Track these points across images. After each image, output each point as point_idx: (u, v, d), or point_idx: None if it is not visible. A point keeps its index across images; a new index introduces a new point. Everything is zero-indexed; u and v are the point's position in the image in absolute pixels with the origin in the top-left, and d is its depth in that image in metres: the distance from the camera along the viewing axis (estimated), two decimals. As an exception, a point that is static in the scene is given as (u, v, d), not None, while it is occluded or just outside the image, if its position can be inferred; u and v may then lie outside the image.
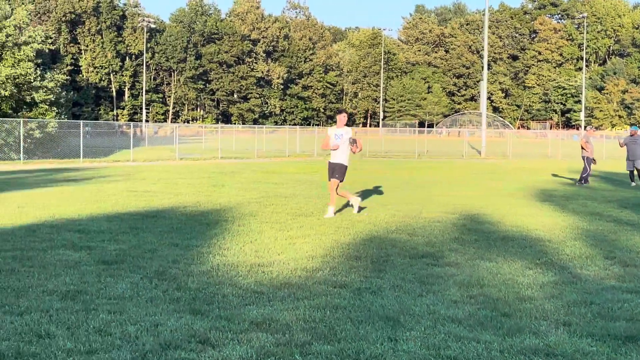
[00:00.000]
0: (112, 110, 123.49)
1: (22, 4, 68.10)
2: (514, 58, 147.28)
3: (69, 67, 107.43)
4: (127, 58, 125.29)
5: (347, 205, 13.93)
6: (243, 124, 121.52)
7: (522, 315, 6.10)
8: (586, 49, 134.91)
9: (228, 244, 9.61)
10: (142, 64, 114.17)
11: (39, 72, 40.54)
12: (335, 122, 13.64)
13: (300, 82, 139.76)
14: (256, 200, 15.68)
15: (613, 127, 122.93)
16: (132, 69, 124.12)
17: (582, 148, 23.45)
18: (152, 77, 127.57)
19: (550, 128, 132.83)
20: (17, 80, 38.50)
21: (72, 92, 56.44)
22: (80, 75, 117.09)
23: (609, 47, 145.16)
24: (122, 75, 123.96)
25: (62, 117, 43.37)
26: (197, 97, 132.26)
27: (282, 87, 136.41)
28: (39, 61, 43.33)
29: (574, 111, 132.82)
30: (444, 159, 46.40)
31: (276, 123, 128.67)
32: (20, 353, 4.93)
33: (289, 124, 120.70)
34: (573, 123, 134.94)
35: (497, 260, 8.63)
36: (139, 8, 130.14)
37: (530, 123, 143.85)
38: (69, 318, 5.80)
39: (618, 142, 24.82)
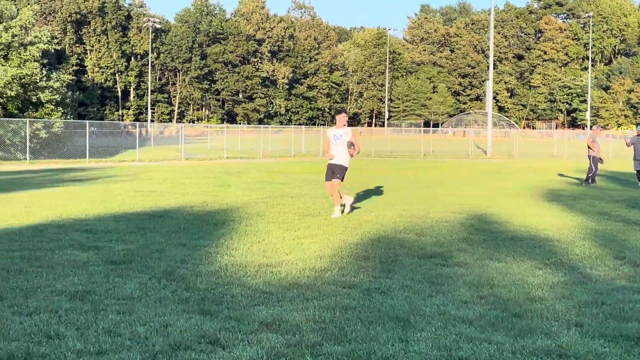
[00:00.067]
0: (118, 110, 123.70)
1: (28, 4, 68.25)
2: (520, 57, 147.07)
3: (75, 68, 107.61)
4: (132, 58, 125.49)
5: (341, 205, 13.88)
6: (248, 124, 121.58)
7: (533, 315, 6.06)
8: (592, 48, 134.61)
9: (236, 244, 9.59)
10: (148, 64, 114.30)
11: (44, 72, 40.57)
12: (330, 121, 13.53)
13: (306, 82, 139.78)
14: (263, 200, 15.66)
15: (619, 127, 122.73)
16: (137, 69, 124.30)
17: (589, 147, 23.35)
18: (157, 77, 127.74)
19: (556, 128, 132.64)
20: (23, 80, 38.52)
21: (77, 92, 56.55)
22: (86, 75, 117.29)
23: (615, 46, 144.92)
24: (128, 76, 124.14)
25: (68, 117, 43.40)
26: (202, 97, 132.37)
27: (287, 87, 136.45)
28: (45, 61, 43.38)
29: (580, 111, 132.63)
30: (450, 159, 46.33)
31: (281, 123, 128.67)
32: (30, 354, 4.91)
33: (294, 124, 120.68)
34: (579, 122, 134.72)
35: (506, 261, 8.59)
36: (144, 8, 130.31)
37: (536, 123, 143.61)
38: (78, 318, 5.78)
39: (625, 142, 24.71)
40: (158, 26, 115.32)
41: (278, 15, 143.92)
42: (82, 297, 6.52)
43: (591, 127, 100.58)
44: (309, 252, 9.01)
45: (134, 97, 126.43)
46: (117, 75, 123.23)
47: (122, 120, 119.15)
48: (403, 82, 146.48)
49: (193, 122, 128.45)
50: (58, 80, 41.62)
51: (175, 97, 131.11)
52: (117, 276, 7.44)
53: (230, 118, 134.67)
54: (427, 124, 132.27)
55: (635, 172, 23.31)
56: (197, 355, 4.96)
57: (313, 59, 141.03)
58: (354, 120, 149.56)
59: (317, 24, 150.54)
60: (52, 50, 50.07)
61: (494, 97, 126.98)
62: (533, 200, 16.74)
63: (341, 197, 13.19)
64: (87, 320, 5.72)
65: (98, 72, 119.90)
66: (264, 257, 8.64)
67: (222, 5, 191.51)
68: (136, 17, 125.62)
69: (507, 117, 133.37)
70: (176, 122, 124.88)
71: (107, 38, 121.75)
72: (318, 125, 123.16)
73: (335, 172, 13.10)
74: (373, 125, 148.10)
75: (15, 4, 46.87)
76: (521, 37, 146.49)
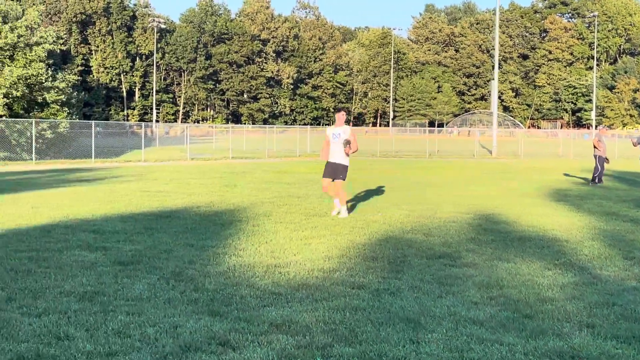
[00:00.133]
0: (123, 111, 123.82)
1: (33, 4, 68.41)
2: (525, 57, 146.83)
3: (80, 68, 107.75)
4: (137, 58, 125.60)
5: (345, 204, 13.84)
6: (253, 124, 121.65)
7: (544, 316, 6.03)
8: (597, 47, 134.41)
9: (243, 244, 9.57)
10: (153, 64, 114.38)
11: (50, 73, 40.60)
12: (334, 121, 13.46)
13: (310, 82, 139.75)
14: (269, 201, 15.64)
15: (624, 126, 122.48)
16: (142, 69, 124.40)
17: (595, 147, 23.29)
18: (162, 78, 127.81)
19: (561, 127, 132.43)
20: (28, 80, 38.58)
21: (83, 93, 56.54)
22: (91, 75, 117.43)
23: (620, 45, 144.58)
24: (133, 76, 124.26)
25: (74, 117, 43.42)
26: (207, 97, 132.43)
27: (292, 87, 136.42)
28: (50, 62, 43.40)
29: (585, 110, 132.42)
30: (455, 159, 46.26)
31: (286, 123, 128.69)
32: (40, 355, 4.90)
33: (299, 124, 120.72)
34: (584, 122, 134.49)
35: (515, 261, 8.55)
36: (149, 8, 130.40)
37: (541, 122, 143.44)
38: (87, 319, 5.77)
39: (631, 142, 24.63)
40: (163, 26, 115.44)
41: (283, 15, 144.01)
42: (90, 298, 6.50)
43: (596, 126, 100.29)
44: (317, 253, 8.99)
45: (139, 97, 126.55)
46: (122, 75, 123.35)
47: (127, 120, 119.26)
48: (408, 82, 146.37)
49: (198, 122, 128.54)
50: (63, 81, 41.65)
51: (180, 97, 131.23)
52: (125, 277, 7.43)
53: (235, 118, 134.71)
54: (431, 124, 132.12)
55: (642, 171, 23.22)
56: (207, 356, 4.94)
57: (318, 59, 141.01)
58: (358, 120, 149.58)
59: (321, 23, 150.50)
60: (58, 51, 50.15)
61: (499, 97, 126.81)
62: (540, 200, 16.70)
63: (338, 197, 13.15)
64: (97, 322, 5.71)
65: (103, 72, 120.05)
66: (272, 258, 8.61)
67: (226, 5, 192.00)
68: (141, 18, 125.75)
69: (512, 116, 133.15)
70: (181, 122, 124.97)
71: (112, 38, 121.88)
72: (323, 125, 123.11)
73: (337, 172, 13.04)
74: (378, 125, 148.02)
75: (20, 5, 46.98)
76: (526, 36, 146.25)
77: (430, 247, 9.46)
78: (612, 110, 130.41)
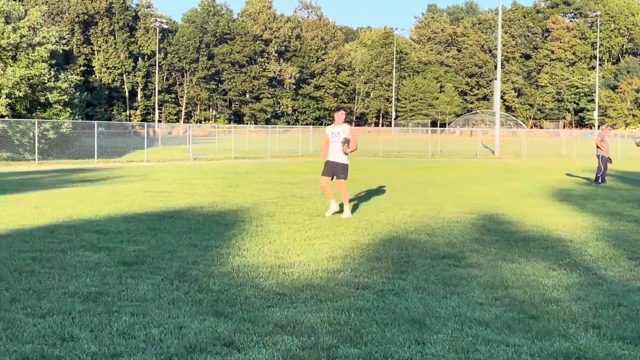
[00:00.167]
0: (125, 111, 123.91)
1: (36, 4, 68.43)
2: (527, 57, 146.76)
3: (82, 68, 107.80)
4: (139, 58, 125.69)
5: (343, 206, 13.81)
6: (255, 124, 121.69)
7: (549, 317, 6.01)
8: (599, 47, 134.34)
9: (247, 244, 9.55)
10: (155, 65, 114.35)
11: (52, 73, 40.62)
12: (334, 119, 13.35)
13: (312, 82, 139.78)
14: (272, 201, 15.62)
15: (627, 126, 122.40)
16: (144, 70, 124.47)
17: (597, 147, 23.25)
18: (164, 78, 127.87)
19: (563, 127, 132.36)
20: (31, 81, 38.59)
21: (85, 93, 56.60)
22: (93, 75, 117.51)
23: (623, 45, 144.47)
24: (135, 76, 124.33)
25: (76, 117, 43.44)
26: (209, 98, 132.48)
27: (294, 87, 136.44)
28: (53, 62, 43.41)
29: (587, 110, 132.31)
30: (458, 159, 46.23)
31: (288, 123, 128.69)
32: (45, 356, 4.89)
33: (301, 124, 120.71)
34: (586, 122, 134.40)
35: (520, 261, 8.53)
36: (151, 9, 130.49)
37: (543, 122, 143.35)
38: (91, 320, 5.76)
39: (635, 142, 24.57)
40: (165, 26, 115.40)
41: (285, 15, 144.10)
42: (95, 299, 6.49)
43: (599, 126, 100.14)
44: (321, 253, 8.97)
45: (141, 97, 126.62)
46: (124, 75, 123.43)
47: (130, 120, 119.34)
48: (410, 81, 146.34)
49: (200, 122, 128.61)
50: (66, 81, 41.67)
51: (182, 97, 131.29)
52: (129, 277, 7.42)
53: (238, 118, 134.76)
54: (434, 124, 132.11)
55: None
56: (212, 357, 4.93)
57: (320, 59, 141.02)
58: (360, 120, 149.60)
59: (324, 23, 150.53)
60: (60, 51, 50.14)
61: (501, 97, 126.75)
62: (543, 200, 16.67)
63: (342, 197, 13.12)
64: (101, 322, 5.70)
65: (105, 72, 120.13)
66: (276, 258, 8.60)
67: (229, 5, 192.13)
68: (143, 18, 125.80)
69: (515, 116, 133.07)
70: (183, 122, 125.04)
71: (115, 38, 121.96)
72: (325, 125, 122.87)
73: (337, 171, 12.98)
74: (380, 125, 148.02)
75: (22, 5, 46.99)
76: (528, 36, 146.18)
77: (434, 248, 9.44)
78: (614, 110, 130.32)
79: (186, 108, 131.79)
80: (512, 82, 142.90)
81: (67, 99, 41.25)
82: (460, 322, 5.84)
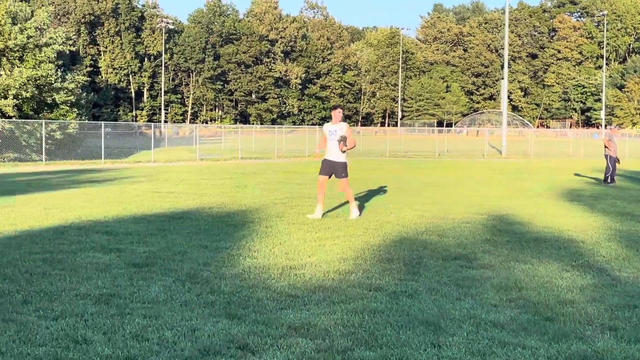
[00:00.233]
0: (131, 111, 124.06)
1: (42, 5, 68.51)
2: (533, 57, 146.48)
3: (88, 69, 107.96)
4: (145, 59, 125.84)
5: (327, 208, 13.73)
6: (261, 124, 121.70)
7: (565, 319, 5.95)
8: (606, 46, 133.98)
9: (257, 245, 9.51)
10: (161, 65, 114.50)
11: (59, 74, 40.68)
12: (331, 118, 13.24)
13: (318, 82, 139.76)
14: (281, 202, 15.59)
15: (634, 126, 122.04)
16: (150, 70, 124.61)
17: (605, 147, 23.18)
18: (170, 78, 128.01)
19: (570, 127, 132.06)
20: (38, 81, 38.66)
21: (92, 94, 56.67)
22: (100, 76, 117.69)
23: (629, 44, 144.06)
24: (141, 76, 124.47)
25: (83, 118, 43.53)
26: (215, 98, 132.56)
27: (300, 87, 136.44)
28: (60, 63, 43.48)
29: (594, 110, 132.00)
30: (465, 159, 46.14)
31: (294, 123, 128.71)
32: (59, 359, 4.85)
33: (307, 124, 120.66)
34: (593, 122, 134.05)
35: (532, 262, 8.47)
36: (157, 9, 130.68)
37: (550, 122, 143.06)
38: (104, 323, 5.72)
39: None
40: (171, 27, 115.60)
41: (291, 15, 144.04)
42: (107, 301, 6.46)
43: (606, 126, 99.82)
44: (332, 254, 8.92)
45: (147, 98, 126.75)
46: (130, 76, 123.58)
47: (136, 121, 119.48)
48: (416, 81, 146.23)
49: (206, 122, 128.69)
50: (73, 82, 41.74)
51: (188, 97, 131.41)
52: (140, 279, 7.38)
53: (243, 118, 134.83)
54: (440, 124, 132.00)
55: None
56: (227, 360, 4.89)
57: (326, 59, 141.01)
58: (367, 120, 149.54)
59: (329, 23, 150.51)
60: (67, 52, 50.25)
61: (508, 97, 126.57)
62: (553, 200, 16.59)
63: (346, 197, 13.05)
64: (114, 325, 5.66)
65: (112, 73, 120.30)
66: (287, 260, 8.55)
67: (234, 5, 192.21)
68: (149, 18, 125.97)
69: (521, 116, 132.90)
70: (189, 122, 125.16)
71: (121, 39, 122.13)
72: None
73: (336, 170, 12.85)
74: (386, 125, 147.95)
75: (29, 6, 47.05)
76: (535, 36, 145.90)
77: (445, 249, 9.39)
78: (621, 109, 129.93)
79: (192, 108, 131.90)
80: (519, 82, 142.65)
81: (73, 100, 41.32)
82: (475, 324, 5.78)
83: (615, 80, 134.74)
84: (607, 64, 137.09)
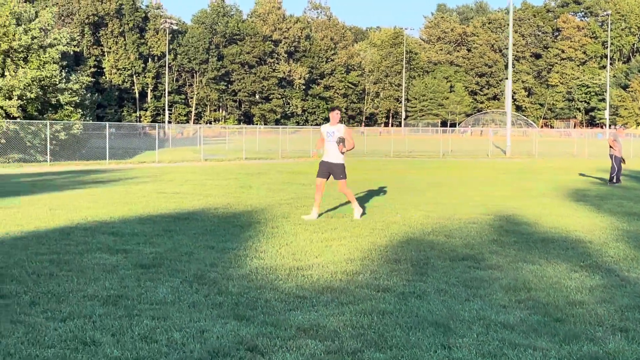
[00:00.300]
0: (135, 112, 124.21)
1: (46, 6, 68.57)
2: (537, 56, 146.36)
3: (92, 69, 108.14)
4: (149, 60, 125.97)
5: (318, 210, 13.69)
6: (265, 124, 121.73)
7: (575, 320, 5.92)
8: (610, 46, 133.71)
9: (264, 246, 9.49)
10: (165, 66, 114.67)
11: (64, 74, 40.71)
12: (329, 119, 13.13)
13: (322, 82, 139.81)
14: (286, 202, 15.57)
15: (638, 125, 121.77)
16: (154, 71, 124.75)
17: (610, 147, 23.13)
18: (174, 79, 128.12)
19: (574, 127, 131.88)
20: (42, 82, 38.68)
21: (96, 94, 56.69)
22: (103, 77, 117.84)
23: (634, 44, 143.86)
24: (145, 77, 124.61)
25: (87, 119, 43.54)
26: (219, 98, 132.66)
27: (303, 87, 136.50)
28: (64, 63, 43.50)
29: (598, 109, 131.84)
30: (469, 159, 46.07)
31: (298, 123, 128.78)
32: (68, 361, 4.84)
33: (311, 124, 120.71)
34: (597, 122, 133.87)
35: (540, 263, 8.43)
36: (161, 10, 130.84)
37: (554, 122, 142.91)
38: (112, 324, 5.70)
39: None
40: (175, 27, 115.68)
41: (294, 15, 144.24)
42: (114, 302, 6.44)
43: (610, 126, 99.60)
44: (339, 255, 8.90)
45: (151, 98, 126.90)
46: (134, 76, 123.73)
47: (140, 121, 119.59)
48: (420, 81, 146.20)
49: (210, 123, 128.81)
50: (77, 82, 41.78)
51: (192, 98, 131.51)
52: (147, 280, 7.36)
53: (247, 119, 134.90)
54: (444, 124, 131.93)
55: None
56: (236, 362, 4.87)
57: (329, 59, 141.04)
58: (370, 121, 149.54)
59: (333, 24, 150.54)
60: (71, 52, 50.27)
61: (512, 96, 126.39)
62: (559, 200, 16.54)
63: (349, 198, 13.00)
64: (122, 326, 5.64)
65: (115, 73, 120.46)
66: (294, 260, 8.53)
67: (238, 6, 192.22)
68: (153, 19, 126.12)
69: (525, 116, 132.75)
70: (193, 123, 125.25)
71: (125, 40, 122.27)
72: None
73: (334, 172, 12.75)
74: (390, 125, 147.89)
75: (33, 7, 47.09)
76: (538, 35, 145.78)
77: (452, 249, 9.35)
78: (625, 109, 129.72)
79: (196, 109, 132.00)
80: (523, 82, 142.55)
81: (78, 101, 41.35)
82: (485, 325, 5.75)
83: (619, 80, 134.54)
84: (611, 64, 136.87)
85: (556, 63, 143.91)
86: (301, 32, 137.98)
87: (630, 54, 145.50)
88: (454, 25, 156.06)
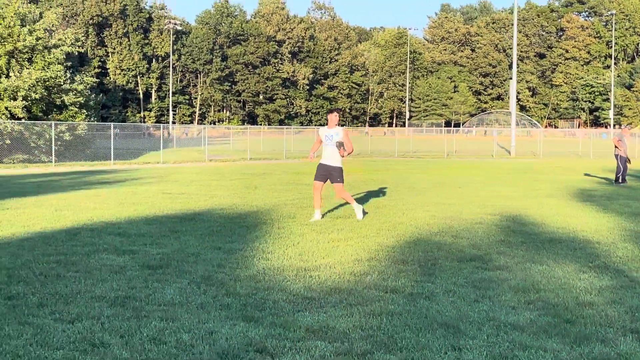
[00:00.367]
0: (139, 112, 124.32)
1: (50, 7, 68.70)
2: (541, 56, 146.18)
3: (97, 70, 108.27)
4: (153, 60, 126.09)
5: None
6: (269, 124, 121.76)
7: (585, 321, 5.88)
8: (614, 46, 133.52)
9: (271, 247, 9.47)
10: (169, 66, 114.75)
11: (68, 75, 40.73)
12: (327, 121, 12.98)
13: (326, 83, 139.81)
14: (292, 202, 15.55)
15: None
16: (158, 71, 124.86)
17: (615, 147, 23.08)
18: (178, 79, 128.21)
19: (578, 126, 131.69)
20: (47, 83, 38.68)
21: (100, 95, 56.75)
22: (108, 77, 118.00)
23: (638, 44, 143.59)
24: (149, 78, 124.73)
25: (92, 119, 43.56)
26: (223, 99, 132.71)
27: (307, 87, 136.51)
28: (68, 64, 43.53)
29: (603, 109, 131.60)
30: (474, 159, 46.02)
31: (302, 124, 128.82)
32: (77, 363, 4.82)
33: (315, 125, 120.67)
34: (601, 121, 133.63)
35: (548, 264, 8.40)
36: (165, 10, 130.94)
37: (558, 122, 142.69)
38: (121, 325, 5.68)
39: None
40: (179, 28, 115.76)
41: (298, 16, 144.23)
42: (122, 303, 6.42)
43: (614, 125, 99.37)
44: (346, 256, 8.87)
45: (155, 99, 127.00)
46: (138, 77, 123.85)
47: (144, 122, 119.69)
48: (424, 81, 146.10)
49: (214, 123, 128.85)
50: (82, 83, 41.78)
51: (196, 98, 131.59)
52: (155, 281, 7.34)
53: (251, 119, 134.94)
54: (448, 124, 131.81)
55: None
56: (246, 364, 4.84)
57: (333, 60, 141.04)
58: (374, 121, 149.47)
59: (337, 24, 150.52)
60: (75, 53, 50.31)
61: (516, 96, 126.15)
62: (565, 200, 16.50)
63: (348, 201, 12.91)
64: (131, 328, 5.62)
65: (120, 74, 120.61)
66: (301, 261, 8.51)
67: (242, 6, 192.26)
68: (157, 19, 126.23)
69: (529, 116, 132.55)
70: (197, 123, 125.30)
71: (129, 40, 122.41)
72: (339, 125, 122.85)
73: (332, 175, 12.58)
74: (394, 125, 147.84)
75: (38, 7, 47.14)
76: (542, 35, 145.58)
77: (460, 250, 9.32)
78: (630, 109, 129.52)
79: (200, 109, 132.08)
80: (527, 82, 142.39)
81: (82, 101, 41.35)
82: (495, 326, 5.72)
83: (624, 80, 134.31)
84: (615, 64, 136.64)
85: (560, 63, 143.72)
86: (305, 33, 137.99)
87: (635, 54, 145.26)
88: (457, 25, 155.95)
